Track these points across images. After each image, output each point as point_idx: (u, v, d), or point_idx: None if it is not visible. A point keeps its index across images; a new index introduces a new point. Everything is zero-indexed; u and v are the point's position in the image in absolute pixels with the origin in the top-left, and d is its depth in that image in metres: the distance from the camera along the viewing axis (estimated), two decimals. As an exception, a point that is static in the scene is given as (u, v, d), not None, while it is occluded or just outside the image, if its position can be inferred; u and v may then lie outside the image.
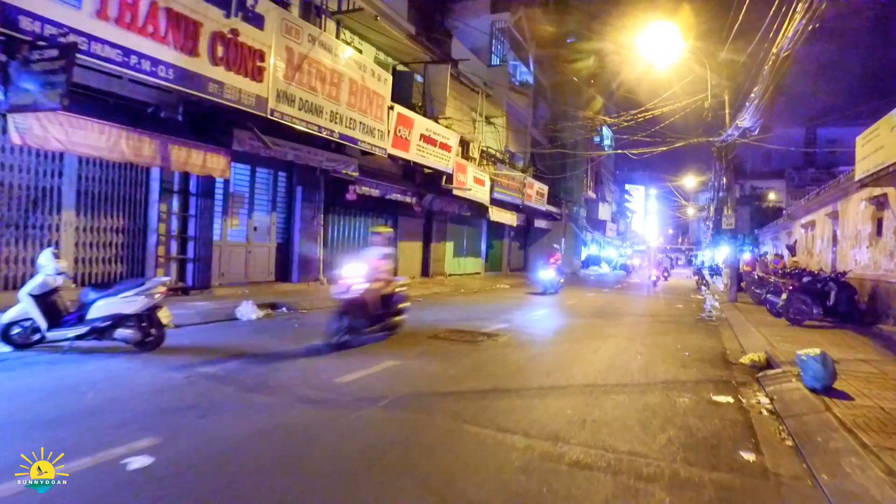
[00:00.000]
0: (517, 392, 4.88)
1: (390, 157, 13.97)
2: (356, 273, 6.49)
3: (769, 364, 6.44)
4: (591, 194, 36.72)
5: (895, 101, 8.19)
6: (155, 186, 9.68)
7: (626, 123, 18.36)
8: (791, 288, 10.35)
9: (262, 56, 9.22)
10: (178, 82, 7.82)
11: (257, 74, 9.19)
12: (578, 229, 34.20)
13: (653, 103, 16.54)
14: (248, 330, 7.71)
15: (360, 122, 12.03)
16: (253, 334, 7.35)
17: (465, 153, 18.79)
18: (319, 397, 4.44)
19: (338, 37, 13.09)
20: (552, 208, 28.22)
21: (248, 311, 8.90)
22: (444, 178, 16.83)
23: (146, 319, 5.72)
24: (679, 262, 52.72)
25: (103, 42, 6.71)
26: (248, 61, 8.96)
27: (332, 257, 14.28)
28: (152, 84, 7.97)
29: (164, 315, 5.82)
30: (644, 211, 66.38)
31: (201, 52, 8.09)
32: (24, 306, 5.48)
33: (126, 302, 5.57)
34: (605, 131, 38.72)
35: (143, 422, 3.65)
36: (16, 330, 5.55)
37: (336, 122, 11.23)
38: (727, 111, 14.53)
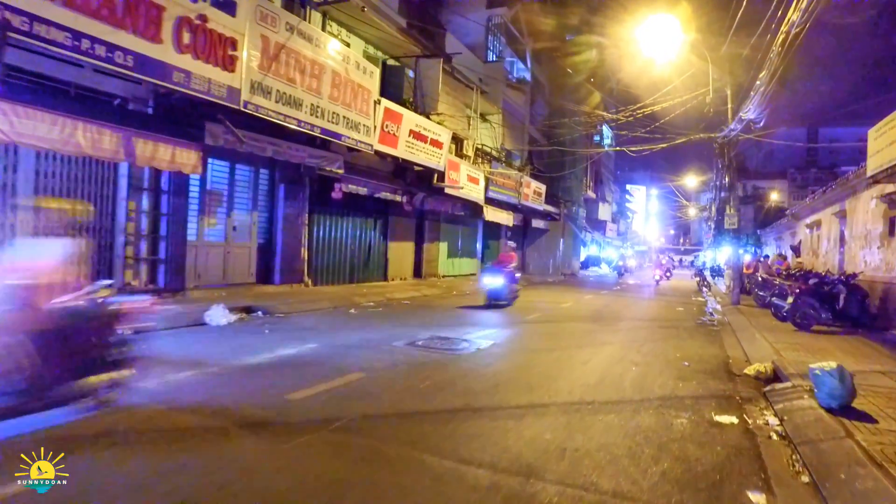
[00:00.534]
0: (491, 412, 4.30)
1: (378, 154, 13.40)
2: None
3: (776, 375, 5.87)
4: (591, 194, 36.08)
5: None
6: (123, 183, 9.10)
7: (625, 119, 17.76)
8: (798, 291, 9.76)
9: (234, 44, 8.66)
10: (138, 70, 7.26)
11: (229, 64, 8.63)
12: (578, 229, 33.58)
13: (653, 98, 15.96)
14: (213, 337, 7.14)
15: (344, 117, 11.46)
16: (217, 341, 6.78)
17: (458, 151, 18.21)
18: (262, 418, 3.87)
19: (324, 29, 12.53)
20: (550, 208, 27.62)
21: (217, 315, 8.34)
22: (436, 175, 16.26)
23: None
24: (684, 263, 52.13)
25: (49, 23, 6.14)
26: (218, 49, 8.40)
27: (317, 258, 13.75)
28: (115, 73, 7.44)
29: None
30: (645, 211, 65.71)
31: (165, 38, 7.52)
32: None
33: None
34: (605, 130, 38.10)
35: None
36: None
37: (317, 117, 10.66)
38: (729, 105, 13.95)
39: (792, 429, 3.98)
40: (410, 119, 14.08)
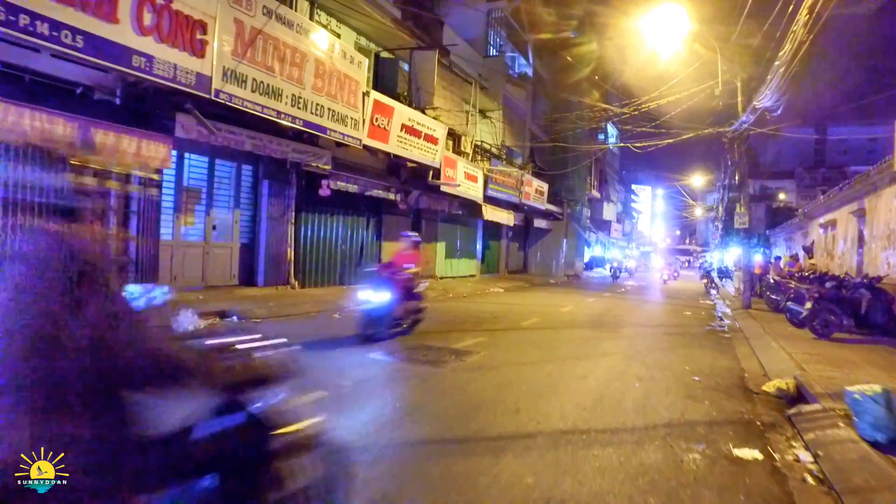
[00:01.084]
0: (466, 444, 3.59)
1: (368, 149, 12.72)
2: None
3: (801, 394, 5.13)
4: (595, 193, 35.25)
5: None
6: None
7: (630, 113, 16.99)
8: (817, 295, 8.99)
9: (203, 27, 8.00)
10: (91, 52, 6.63)
11: (198, 49, 7.98)
12: (582, 230, 32.77)
13: (658, 91, 15.20)
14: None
15: (330, 109, 10.79)
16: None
17: (455, 147, 17.51)
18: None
19: (312, 18, 11.86)
20: (553, 207, 26.85)
21: (185, 321, 7.65)
22: (431, 173, 15.56)
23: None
24: (695, 263, 51.25)
25: (-22, -4, 5.52)
26: (185, 32, 7.75)
27: (305, 259, 13.07)
28: (69, 58, 6.81)
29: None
30: (651, 211, 64.79)
31: (122, 17, 6.89)
32: None
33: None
34: (610, 129, 37.27)
35: None
36: None
37: (299, 108, 9.99)
38: (739, 98, 13.18)
39: (831, 470, 3.25)
40: (403, 112, 13.38)
